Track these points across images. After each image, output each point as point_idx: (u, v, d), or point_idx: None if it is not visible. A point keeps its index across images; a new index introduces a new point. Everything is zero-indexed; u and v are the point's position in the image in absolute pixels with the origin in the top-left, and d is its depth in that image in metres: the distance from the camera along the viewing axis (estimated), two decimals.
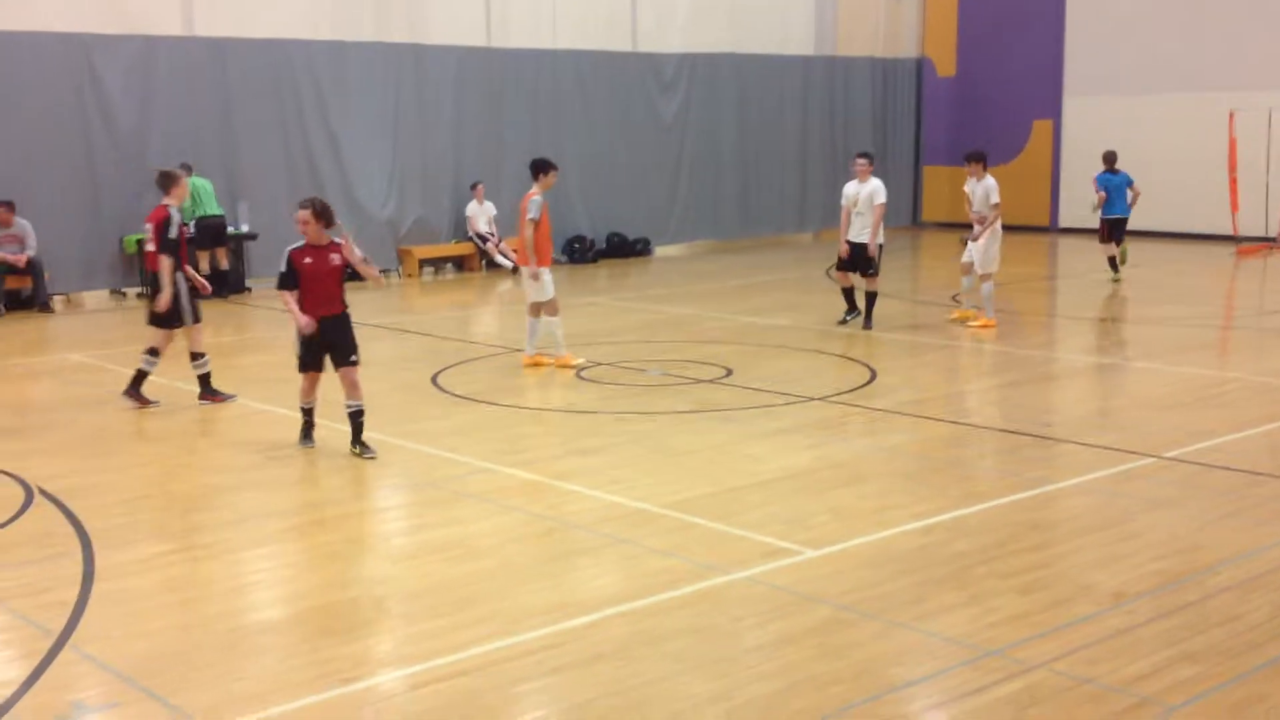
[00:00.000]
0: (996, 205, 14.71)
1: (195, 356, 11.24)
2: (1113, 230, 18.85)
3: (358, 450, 9.22)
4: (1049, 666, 5.57)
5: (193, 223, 17.72)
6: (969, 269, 15.24)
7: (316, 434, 9.68)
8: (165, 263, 10.91)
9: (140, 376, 11.13)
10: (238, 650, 6.00)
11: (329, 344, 9.20)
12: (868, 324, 14.76)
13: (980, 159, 14.90)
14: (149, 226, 11.06)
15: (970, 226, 15.08)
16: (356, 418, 9.24)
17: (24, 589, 6.76)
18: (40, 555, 7.30)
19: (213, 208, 18.48)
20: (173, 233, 10.91)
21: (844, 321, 15.06)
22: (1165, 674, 5.49)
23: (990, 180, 14.82)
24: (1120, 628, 6.01)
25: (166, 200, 11.03)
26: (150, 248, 11.12)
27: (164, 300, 10.92)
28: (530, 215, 12.41)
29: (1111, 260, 19.00)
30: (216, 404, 11.19)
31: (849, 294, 15.11)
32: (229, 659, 5.88)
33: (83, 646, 5.98)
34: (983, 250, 14.81)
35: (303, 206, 9.20)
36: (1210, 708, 5.19)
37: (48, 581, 6.86)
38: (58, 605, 6.49)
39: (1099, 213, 18.90)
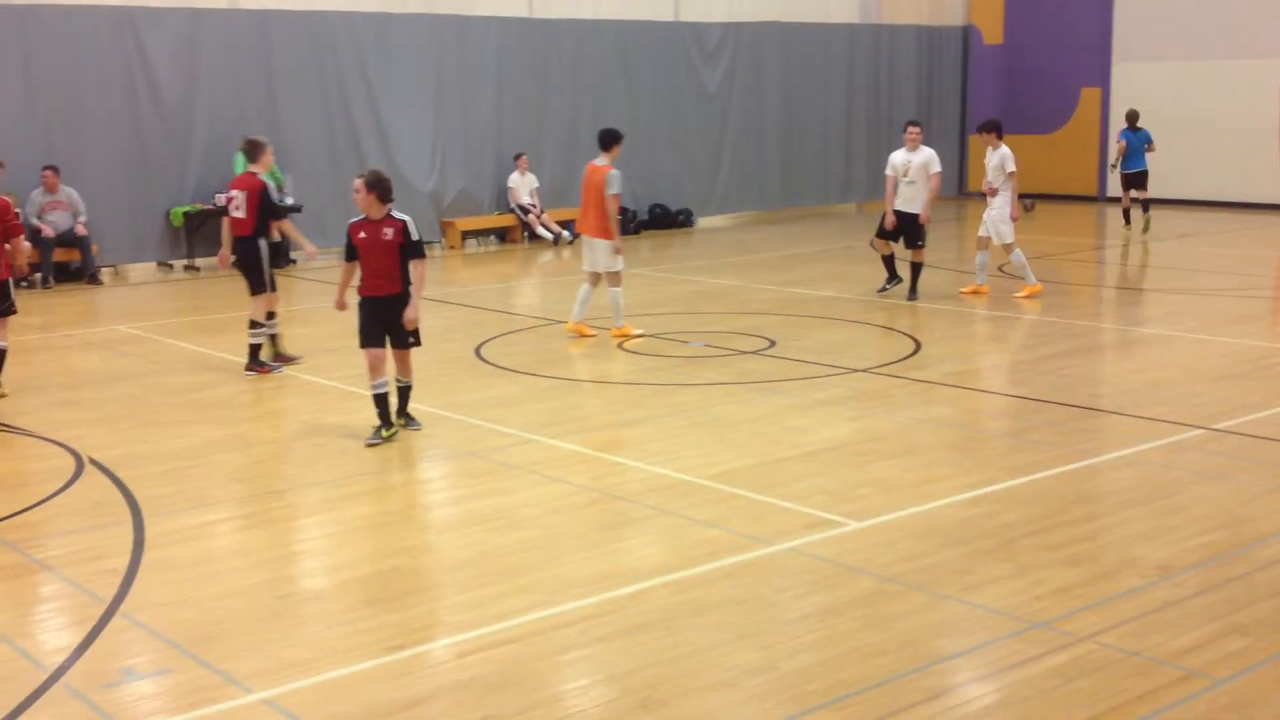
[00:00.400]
0: (1012, 174, 14.49)
1: (254, 325, 11.29)
2: (1132, 182, 20.84)
3: (403, 421, 9.26)
4: (1096, 639, 5.53)
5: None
6: (985, 243, 14.98)
7: (358, 406, 9.72)
8: (287, 226, 11.58)
9: (255, 349, 11.31)
10: (285, 618, 6.06)
11: (387, 323, 9.07)
12: (913, 295, 14.64)
13: (995, 128, 14.63)
14: (238, 194, 11.13)
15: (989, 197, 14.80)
16: (404, 393, 9.29)
17: (76, 557, 6.86)
18: (91, 524, 7.40)
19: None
20: (275, 197, 11.27)
21: (884, 290, 14.94)
22: (1213, 647, 5.44)
23: (1005, 150, 14.60)
24: (1168, 600, 5.96)
25: (254, 168, 11.20)
26: (239, 214, 11.16)
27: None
28: (612, 190, 12.37)
29: (1126, 212, 21.12)
30: (263, 375, 11.26)
31: (889, 262, 14.95)
32: (277, 626, 5.95)
33: (133, 614, 6.06)
34: (996, 222, 14.65)
35: (359, 176, 9.17)
36: (1259, 681, 5.14)
37: (99, 550, 6.95)
38: (109, 573, 6.58)
39: (1118, 168, 21.00)
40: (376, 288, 9.03)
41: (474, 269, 19.53)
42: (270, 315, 11.43)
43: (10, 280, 10.87)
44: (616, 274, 12.63)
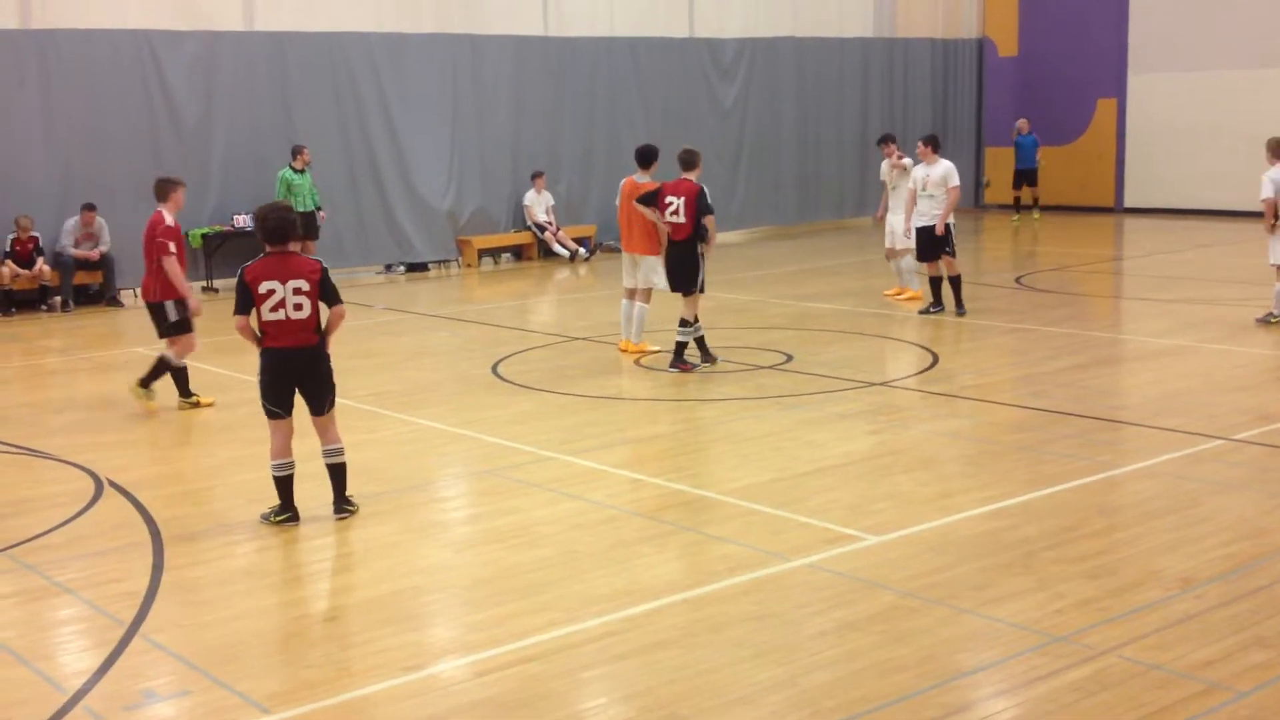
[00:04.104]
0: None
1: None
2: None
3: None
4: (1117, 652, 5.50)
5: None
6: (893, 254, 15.82)
7: (375, 426, 9.72)
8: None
9: None
10: (303, 638, 6.07)
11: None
12: (960, 309, 14.39)
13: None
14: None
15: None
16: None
17: (95, 579, 6.88)
18: (111, 546, 7.42)
19: (306, 202, 18.56)
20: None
21: (926, 312, 14.61)
22: (1235, 659, 5.40)
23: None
24: (1189, 613, 5.92)
25: (163, 207, 10.80)
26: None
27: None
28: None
29: None
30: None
31: (935, 285, 14.65)
32: (295, 647, 5.95)
33: (153, 635, 6.07)
34: (903, 230, 15.18)
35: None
36: None
37: (118, 572, 6.98)
38: (128, 595, 6.60)
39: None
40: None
41: (490, 287, 19.57)
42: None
43: (170, 302, 10.70)
44: (650, 291, 12.61)
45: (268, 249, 7.56)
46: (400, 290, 19.10)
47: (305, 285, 7.48)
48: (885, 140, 16.30)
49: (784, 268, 19.92)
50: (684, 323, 11.87)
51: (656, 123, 23.10)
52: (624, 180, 12.70)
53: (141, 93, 18.22)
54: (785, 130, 25.22)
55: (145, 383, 10.84)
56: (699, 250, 11.76)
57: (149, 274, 10.77)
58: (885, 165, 16.11)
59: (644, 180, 12.42)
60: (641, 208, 12.17)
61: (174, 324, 10.78)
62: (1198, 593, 6.17)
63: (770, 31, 24.83)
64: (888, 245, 16.05)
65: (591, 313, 16.02)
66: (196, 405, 11.01)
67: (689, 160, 12.02)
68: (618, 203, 12.85)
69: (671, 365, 11.84)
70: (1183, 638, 5.64)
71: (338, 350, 7.77)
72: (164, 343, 10.96)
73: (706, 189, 11.93)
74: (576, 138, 22.50)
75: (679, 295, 11.91)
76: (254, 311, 7.55)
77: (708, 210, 11.69)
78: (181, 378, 10.99)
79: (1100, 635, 5.69)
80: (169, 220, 10.67)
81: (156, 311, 10.82)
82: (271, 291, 7.45)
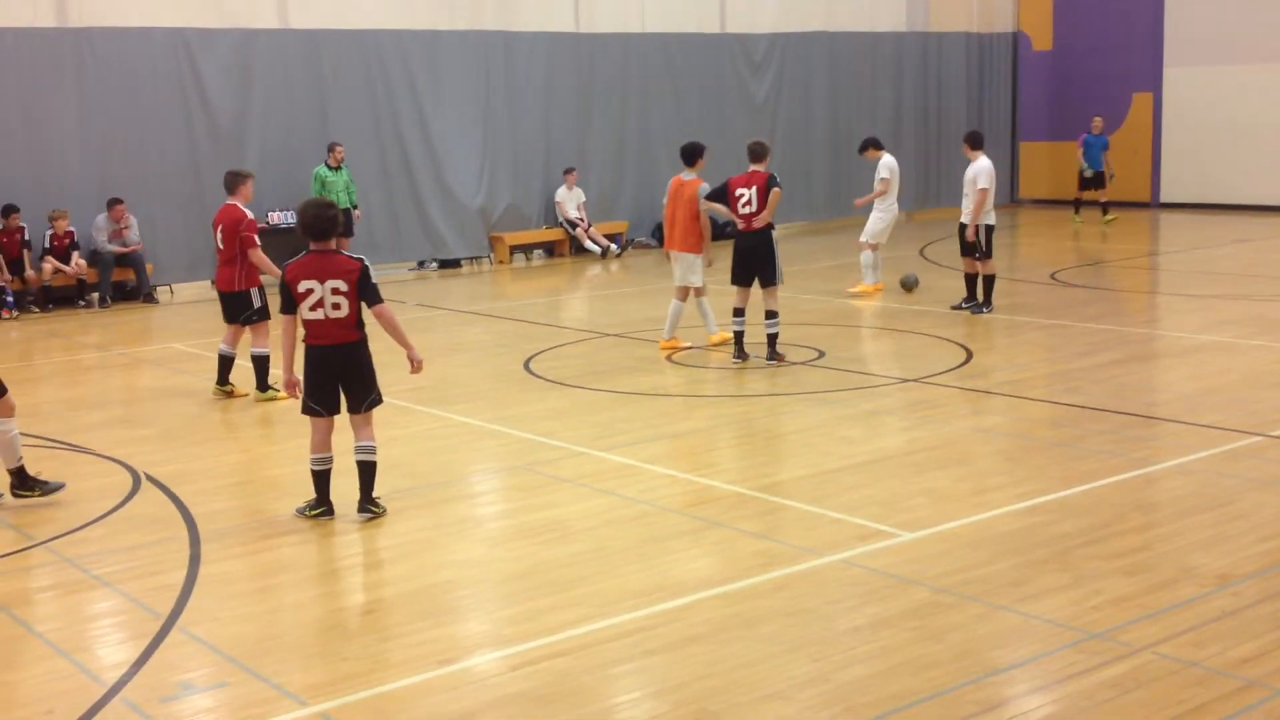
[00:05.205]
0: (885, 180, 15.98)
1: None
2: None
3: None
4: (1154, 649, 5.46)
5: None
6: (868, 246, 16.27)
7: (408, 421, 9.75)
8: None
9: None
10: (339, 632, 6.11)
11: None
12: (986, 307, 14.34)
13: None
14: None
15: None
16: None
17: (133, 572, 6.94)
18: (148, 540, 7.49)
19: (342, 200, 18.67)
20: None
21: (958, 307, 14.58)
22: (1273, 657, 5.35)
23: (888, 158, 16.14)
24: (1227, 610, 5.88)
25: (233, 200, 11.19)
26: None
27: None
28: (703, 207, 12.33)
29: None
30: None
31: (969, 281, 14.60)
32: (331, 640, 5.99)
33: (190, 628, 6.12)
34: (872, 222, 16.12)
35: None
36: None
37: (155, 565, 7.04)
38: (166, 588, 6.65)
39: None
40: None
41: (522, 283, 19.61)
42: None
43: (250, 290, 11.03)
44: (687, 289, 12.63)
45: (310, 246, 7.59)
46: (433, 286, 19.16)
47: (343, 285, 7.49)
48: (871, 145, 16.61)
49: (815, 263, 19.87)
50: (770, 314, 11.92)
51: (688, 119, 23.08)
52: (672, 180, 12.71)
53: (177, 91, 18.36)
54: (817, 125, 25.14)
55: (261, 387, 11.07)
56: (772, 239, 11.81)
57: (226, 264, 11.04)
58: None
59: (690, 178, 12.43)
60: (711, 205, 12.18)
61: (258, 310, 11.06)
62: (1235, 589, 6.12)
63: (802, 26, 24.75)
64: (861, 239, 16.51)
65: (623, 309, 16.03)
66: (230, 395, 11.17)
67: (759, 151, 12.08)
68: (664, 202, 12.88)
69: (768, 358, 11.88)
70: (1220, 635, 5.60)
71: (371, 346, 7.79)
72: (220, 333, 11.30)
73: (708, 187, 12.18)
74: (608, 134, 22.51)
75: (737, 288, 11.99)
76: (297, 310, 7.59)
77: (775, 185, 11.79)
78: (226, 366, 11.21)
79: (1137, 632, 5.65)
80: (248, 213, 10.98)
81: (237, 300, 11.08)
82: (310, 291, 7.48)
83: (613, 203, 22.69)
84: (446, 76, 20.66)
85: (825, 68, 25.10)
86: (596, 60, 22.21)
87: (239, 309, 11.10)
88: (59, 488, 8.27)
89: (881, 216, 16.13)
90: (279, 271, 10.64)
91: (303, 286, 7.48)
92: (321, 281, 7.47)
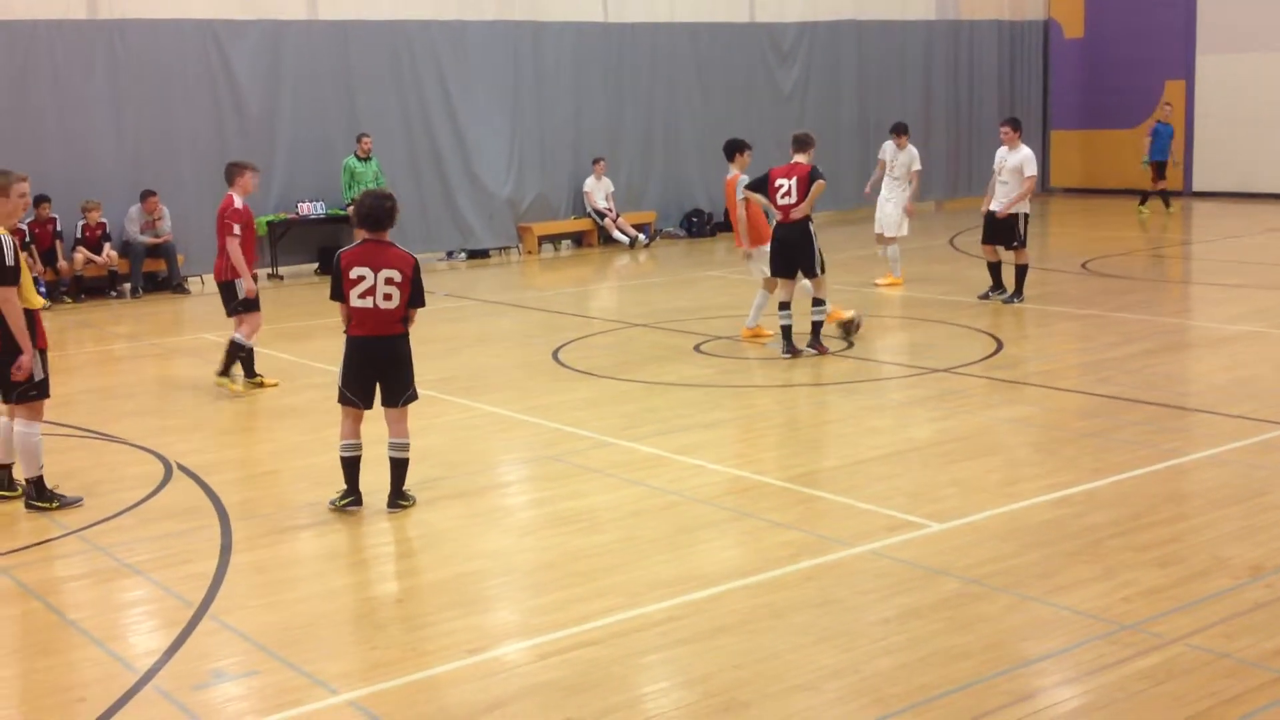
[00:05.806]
0: (918, 172, 16.12)
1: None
2: None
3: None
4: (1186, 641, 5.43)
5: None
6: (882, 240, 16.28)
7: (438, 411, 9.77)
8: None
9: None
10: (369, 620, 6.14)
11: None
12: (1016, 297, 14.20)
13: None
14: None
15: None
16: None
17: (165, 561, 6.99)
18: (179, 529, 7.54)
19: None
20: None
21: (985, 297, 14.47)
22: None
23: (911, 149, 16.11)
24: (1259, 601, 5.83)
25: (232, 191, 11.13)
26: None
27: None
28: (740, 196, 12.32)
29: None
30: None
31: (994, 269, 14.52)
32: (361, 629, 6.02)
33: (221, 616, 6.16)
34: (891, 215, 16.05)
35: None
36: None
37: (187, 554, 7.08)
38: (198, 577, 6.70)
39: None
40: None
41: (551, 273, 19.62)
42: None
43: (239, 281, 10.98)
44: (768, 278, 12.50)
45: (365, 236, 7.62)
46: (462, 276, 19.20)
47: (398, 276, 7.49)
48: (900, 130, 16.49)
49: (844, 253, 19.77)
50: (817, 301, 11.88)
51: (715, 109, 23.05)
52: (725, 180, 12.75)
53: (207, 82, 18.46)
54: (845, 115, 25.04)
55: (224, 371, 11.09)
56: (810, 230, 11.78)
57: (219, 255, 11.08)
58: (889, 146, 16.40)
59: (733, 174, 12.44)
60: (752, 195, 12.16)
61: (243, 302, 11.04)
62: (1267, 581, 6.07)
63: (831, 15, 24.65)
64: (877, 231, 16.37)
65: (652, 299, 16.03)
66: (261, 385, 11.22)
67: (804, 142, 12.10)
68: (726, 205, 12.93)
69: (809, 345, 11.83)
70: (1252, 626, 5.56)
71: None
72: (232, 323, 11.24)
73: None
74: (636, 124, 22.50)
75: (779, 280, 11.94)
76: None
77: (820, 177, 11.76)
78: (249, 358, 11.21)
79: (1169, 624, 5.62)
80: (237, 203, 10.93)
81: (226, 290, 11.12)
82: (361, 278, 7.49)
83: (641, 193, 22.67)
84: (475, 67, 20.68)
85: (854, 57, 24.99)
86: (625, 50, 22.19)
87: (226, 299, 11.16)
88: (76, 502, 8.02)
89: (898, 207, 16.08)
90: (248, 271, 10.88)
91: (355, 273, 7.49)
92: (375, 270, 7.47)
